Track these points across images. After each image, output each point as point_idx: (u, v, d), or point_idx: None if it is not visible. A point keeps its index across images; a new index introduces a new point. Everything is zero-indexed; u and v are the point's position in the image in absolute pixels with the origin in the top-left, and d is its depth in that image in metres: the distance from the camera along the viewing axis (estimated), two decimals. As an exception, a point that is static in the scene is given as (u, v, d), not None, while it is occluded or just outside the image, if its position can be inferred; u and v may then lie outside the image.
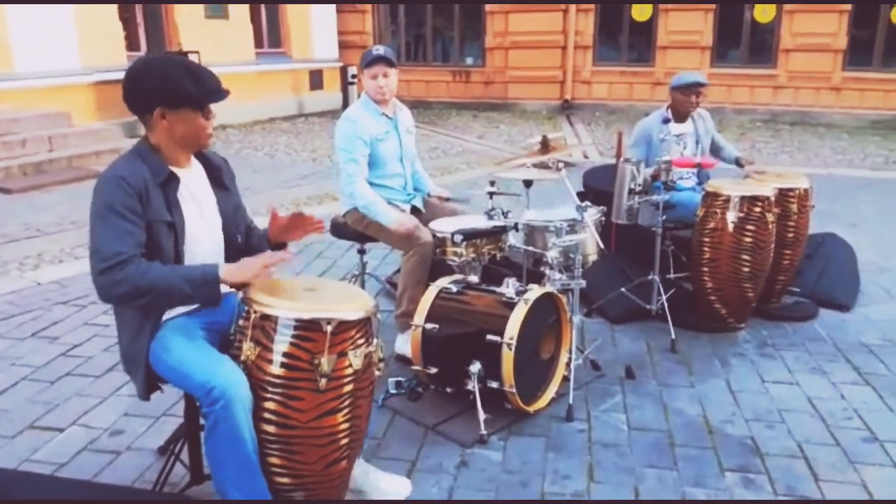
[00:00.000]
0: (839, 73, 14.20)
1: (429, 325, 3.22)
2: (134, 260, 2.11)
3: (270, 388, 2.10)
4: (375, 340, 2.28)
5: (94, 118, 10.11)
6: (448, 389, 3.31)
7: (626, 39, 15.53)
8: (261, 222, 2.66)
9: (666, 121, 4.10)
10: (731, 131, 12.55)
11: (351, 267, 5.29)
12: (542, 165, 3.75)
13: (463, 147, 11.13)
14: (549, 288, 3.25)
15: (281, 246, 2.55)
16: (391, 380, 3.45)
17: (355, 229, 3.98)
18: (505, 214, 3.44)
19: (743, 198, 3.99)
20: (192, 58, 10.32)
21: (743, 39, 14.76)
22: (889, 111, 13.80)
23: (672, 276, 4.70)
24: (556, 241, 3.28)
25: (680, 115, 4.53)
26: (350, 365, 2.15)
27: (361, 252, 4.28)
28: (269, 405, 2.10)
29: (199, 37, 11.72)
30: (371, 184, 3.88)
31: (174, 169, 2.29)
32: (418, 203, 4.11)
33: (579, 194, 5.49)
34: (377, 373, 2.30)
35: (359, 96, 4.06)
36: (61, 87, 9.78)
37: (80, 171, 8.42)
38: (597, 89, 15.64)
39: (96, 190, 2.19)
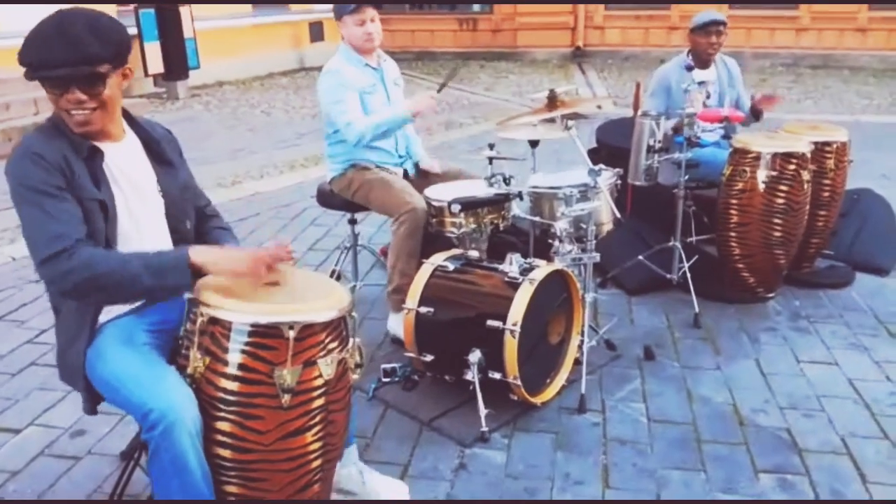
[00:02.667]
0: (865, 13, 13.52)
1: (423, 309, 2.86)
2: (82, 244, 1.77)
3: (224, 407, 1.75)
4: (352, 341, 1.92)
5: (83, 78, 9.67)
6: (447, 377, 2.98)
7: (640, -19, 14.84)
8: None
9: (689, 68, 3.67)
10: (751, 77, 11.94)
11: (345, 237, 4.93)
12: (551, 122, 3.35)
13: (469, 100, 10.63)
14: (557, 265, 2.87)
15: None
16: (384, 366, 3.11)
17: (343, 197, 3.61)
18: (507, 181, 3.05)
19: (775, 154, 3.57)
20: (183, 12, 9.75)
21: (763, -21, 14.06)
22: (918, 52, 13.15)
23: (693, 239, 4.32)
24: (566, 210, 2.89)
25: (702, 60, 4.07)
26: (319, 375, 1.79)
27: (352, 222, 3.91)
28: (223, 426, 1.76)
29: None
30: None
31: (98, 144, 1.92)
32: (410, 168, 3.72)
33: (592, 151, 5.08)
34: (354, 376, 1.95)
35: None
36: (48, 45, 9.33)
37: (69, 134, 8.04)
38: (610, 35, 14.99)
39: (9, 172, 1.83)
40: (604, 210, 3.08)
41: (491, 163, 3.08)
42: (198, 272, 1.80)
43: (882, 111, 9.52)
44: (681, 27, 14.53)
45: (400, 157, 3.66)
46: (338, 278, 4.09)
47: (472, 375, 2.74)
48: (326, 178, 3.69)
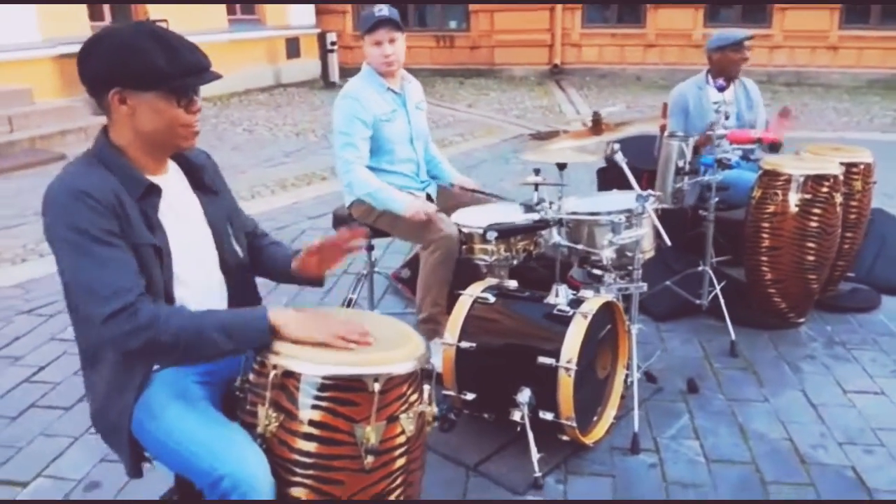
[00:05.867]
0: (836, 32, 13.74)
1: (464, 344, 2.69)
2: (144, 301, 1.56)
3: (299, 470, 1.56)
4: (427, 388, 1.75)
5: (57, 94, 9.34)
6: (486, 415, 2.81)
7: (615, -1, 14.94)
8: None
9: (721, 88, 3.57)
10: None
11: (354, 261, 4.74)
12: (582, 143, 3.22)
13: (454, 117, 10.51)
14: (606, 296, 2.73)
15: (314, 281, 1.99)
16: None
17: (363, 223, 3.43)
18: (550, 207, 2.89)
19: (807, 177, 3.48)
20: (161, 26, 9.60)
21: (736, -3, 14.25)
22: (888, 70, 13.35)
23: (713, 261, 4.21)
24: (614, 238, 2.75)
25: (729, 79, 3.98)
26: (402, 432, 1.62)
27: (369, 249, 3.72)
28: (299, 492, 1.57)
29: (167, 4, 10.90)
30: (379, 171, 3.33)
31: (150, 178, 1.72)
32: (432, 191, 3.56)
33: (602, 170, 4.97)
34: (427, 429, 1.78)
35: (360, 66, 3.45)
36: (20, 61, 8.99)
37: (45, 153, 7.74)
38: (587, 52, 15.02)
39: (51, 211, 1.59)
40: (647, 237, 2.95)
41: (536, 188, 2.92)
42: (280, 335, 1.62)
43: (862, 128, 9.62)
44: (656, 44, 14.64)
45: (422, 181, 3.50)
46: (351, 306, 3.91)
47: (520, 416, 2.57)
48: (344, 203, 3.51)
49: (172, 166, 1.84)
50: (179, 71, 1.62)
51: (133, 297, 1.54)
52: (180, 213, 1.79)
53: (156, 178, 1.74)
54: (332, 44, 13.69)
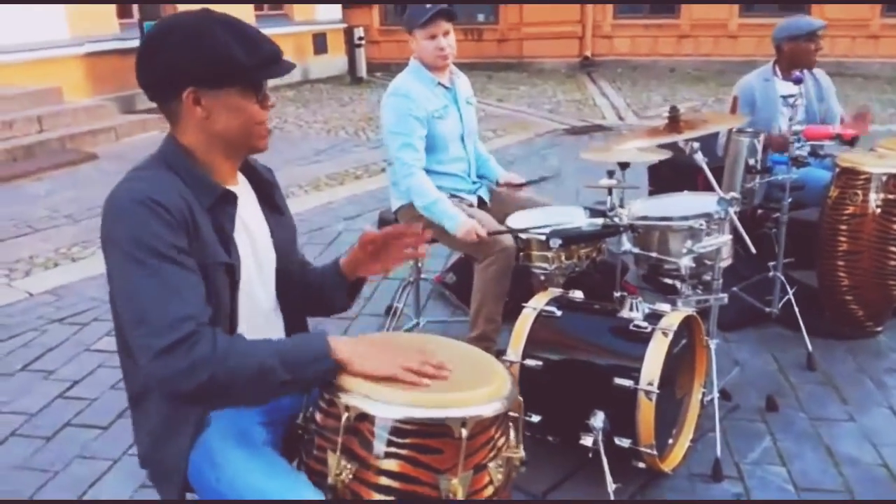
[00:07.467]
0: (878, 20, 13.32)
1: (530, 362, 2.49)
2: (204, 333, 1.33)
3: (375, 528, 1.37)
4: (512, 432, 1.55)
5: (86, 93, 9.26)
6: (549, 438, 2.60)
7: (648, -11, 14.59)
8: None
9: (798, 80, 3.32)
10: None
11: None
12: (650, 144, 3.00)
13: (485, 112, 10.26)
14: (686, 310, 2.50)
15: (358, 284, 1.81)
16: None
17: (411, 230, 3.23)
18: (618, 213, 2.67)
19: (890, 176, 3.22)
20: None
21: (774, -14, 13.84)
22: (931, 60, 12.95)
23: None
24: (693, 245, 2.52)
25: (801, 70, 3.73)
26: (490, 482, 1.42)
27: (417, 254, 3.52)
28: (373, 552, 1.38)
29: (196, 3, 10.77)
30: (429, 172, 3.13)
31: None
32: (484, 194, 3.35)
33: (651, 168, 4.74)
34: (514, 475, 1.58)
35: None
36: (49, 59, 8.91)
37: (75, 153, 7.63)
38: (618, 44, 14.71)
39: (114, 217, 1.38)
40: (727, 244, 2.72)
41: (610, 192, 2.70)
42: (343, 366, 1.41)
43: (910, 120, 9.26)
44: (690, 35, 14.30)
45: (473, 182, 3.30)
46: (395, 314, 3.72)
47: (592, 441, 2.36)
48: (390, 206, 3.32)
49: (242, 179, 1.65)
50: (259, 62, 1.45)
51: (194, 326, 1.31)
52: (251, 230, 1.59)
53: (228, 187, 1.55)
54: (360, 39, 13.50)
